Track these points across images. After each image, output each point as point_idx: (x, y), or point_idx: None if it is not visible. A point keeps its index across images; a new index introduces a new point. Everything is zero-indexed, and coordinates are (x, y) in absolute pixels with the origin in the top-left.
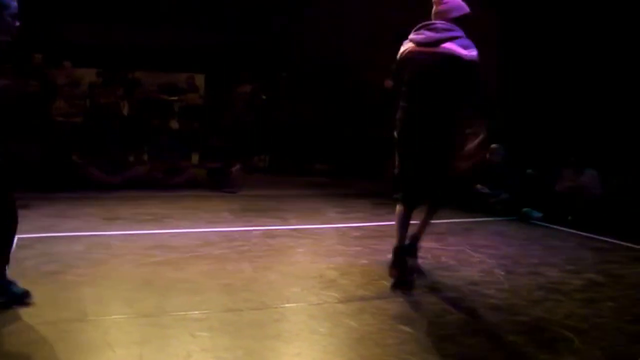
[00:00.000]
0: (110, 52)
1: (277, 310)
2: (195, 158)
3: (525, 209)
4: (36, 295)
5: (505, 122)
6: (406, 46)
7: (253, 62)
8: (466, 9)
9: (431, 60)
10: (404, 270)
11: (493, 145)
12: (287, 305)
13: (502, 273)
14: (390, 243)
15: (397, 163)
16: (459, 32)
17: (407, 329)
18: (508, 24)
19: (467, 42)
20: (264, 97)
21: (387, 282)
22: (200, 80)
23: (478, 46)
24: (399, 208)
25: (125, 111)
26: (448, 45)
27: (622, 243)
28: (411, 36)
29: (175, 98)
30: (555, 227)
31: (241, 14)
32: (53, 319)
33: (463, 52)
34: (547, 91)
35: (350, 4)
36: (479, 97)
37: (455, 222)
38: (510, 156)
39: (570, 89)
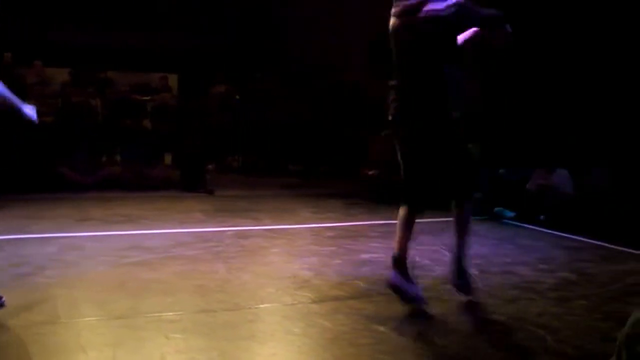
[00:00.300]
0: (82, 52)
1: (251, 311)
2: (168, 158)
3: (497, 209)
4: (7, 298)
5: (478, 122)
6: (390, 22)
7: (227, 62)
8: None
9: (415, 29)
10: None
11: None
12: (261, 306)
13: (476, 272)
14: (365, 243)
15: (398, 157)
16: None
17: (381, 328)
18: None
19: None
20: (237, 97)
21: (361, 282)
22: (173, 80)
23: None
24: (402, 212)
25: (98, 111)
26: (428, 7)
27: (593, 242)
28: (392, 10)
29: (148, 98)
30: (527, 226)
31: (215, 15)
32: (25, 322)
33: (440, 6)
34: (519, 91)
35: (323, 6)
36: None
37: (428, 222)
38: (482, 156)
39: (542, 89)
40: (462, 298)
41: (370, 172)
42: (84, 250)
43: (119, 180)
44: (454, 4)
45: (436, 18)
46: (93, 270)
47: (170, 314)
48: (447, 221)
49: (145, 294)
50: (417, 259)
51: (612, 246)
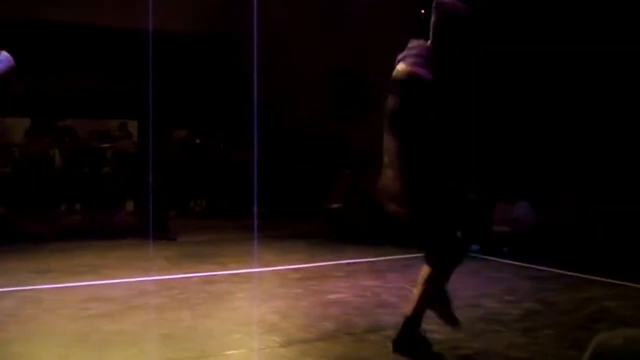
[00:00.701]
0: (39, 100)
1: (219, 358)
2: (130, 205)
3: None
4: None
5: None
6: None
7: (187, 106)
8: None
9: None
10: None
11: None
12: (228, 352)
13: None
14: (331, 283)
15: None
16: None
17: None
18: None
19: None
20: (198, 141)
21: (329, 324)
22: (133, 126)
23: None
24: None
25: (56, 160)
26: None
27: (556, 271)
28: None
29: (108, 145)
30: (492, 258)
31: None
32: None
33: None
34: (478, 127)
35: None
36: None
37: (393, 259)
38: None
39: (503, 123)
40: (431, 334)
41: (335, 206)
42: (43, 303)
43: (79, 229)
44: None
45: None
46: (53, 323)
47: None
48: (412, 257)
49: (109, 346)
50: (384, 296)
51: (576, 274)
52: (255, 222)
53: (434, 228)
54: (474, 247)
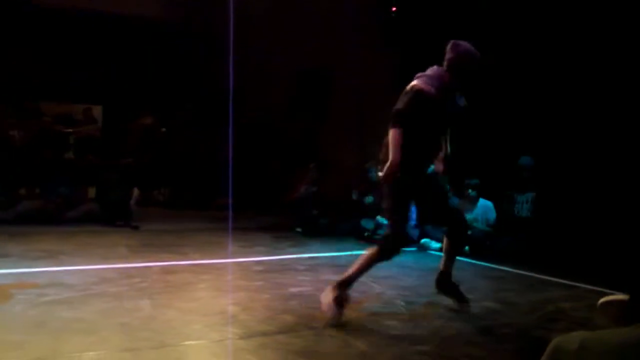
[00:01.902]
0: (3, 82)
1: (177, 349)
2: (91, 191)
3: (423, 240)
4: None
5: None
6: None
7: (153, 93)
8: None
9: None
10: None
11: None
12: (187, 342)
13: (403, 304)
14: (292, 276)
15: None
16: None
17: None
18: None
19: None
20: (163, 130)
21: (290, 317)
22: (98, 111)
23: (377, 82)
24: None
25: (17, 142)
26: None
27: (516, 271)
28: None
29: (71, 130)
30: None
31: (143, 44)
32: None
33: None
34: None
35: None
36: None
37: (355, 254)
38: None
39: (467, 123)
40: (391, 330)
41: (294, 197)
42: (1, 288)
43: (39, 214)
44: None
45: None
46: (10, 310)
47: (92, 353)
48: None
49: (66, 333)
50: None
51: (534, 275)
52: (230, 214)
53: (389, 215)
54: (435, 245)
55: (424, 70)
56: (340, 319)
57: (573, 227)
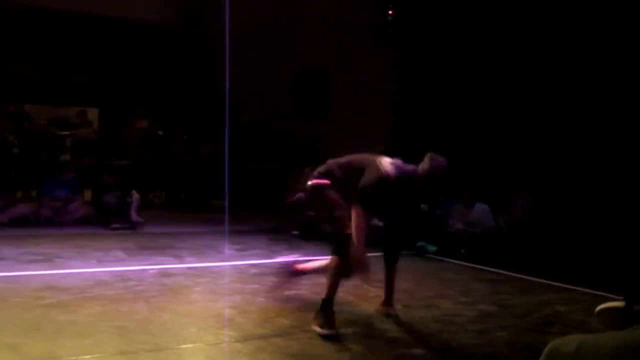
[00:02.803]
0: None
1: (174, 352)
2: (87, 194)
3: (419, 243)
4: None
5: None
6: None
7: (150, 96)
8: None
9: None
10: None
11: None
12: (183, 346)
13: (399, 307)
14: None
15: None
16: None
17: None
18: (403, 62)
19: None
20: (160, 132)
21: (286, 320)
22: (93, 114)
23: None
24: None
25: (14, 146)
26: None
27: (512, 274)
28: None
29: (67, 132)
30: (449, 260)
31: (140, 47)
32: None
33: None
34: (441, 128)
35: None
36: None
37: None
38: None
39: (464, 123)
40: (386, 334)
41: (291, 200)
42: None
43: (35, 217)
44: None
45: None
46: (5, 312)
47: (88, 357)
48: (370, 257)
49: (62, 336)
50: (341, 294)
51: (530, 278)
52: (227, 216)
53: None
54: (431, 248)
55: (422, 70)
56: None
57: (569, 230)
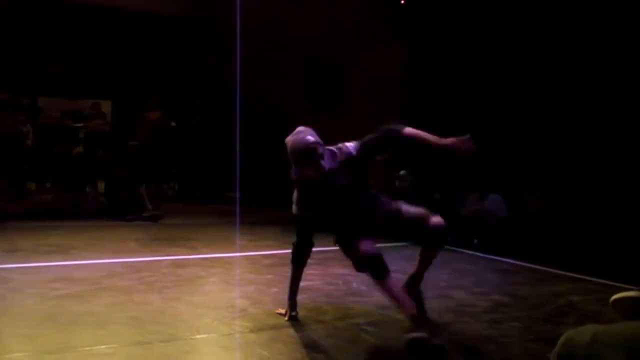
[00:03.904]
0: (12, 78)
1: (187, 342)
2: (101, 186)
3: None
4: None
5: (413, 149)
6: None
7: (162, 88)
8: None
9: None
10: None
11: (401, 172)
12: (197, 336)
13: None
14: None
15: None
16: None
17: (319, 356)
18: (414, 53)
19: None
20: (173, 124)
21: (299, 310)
22: (107, 106)
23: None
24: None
25: (28, 138)
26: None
27: (526, 264)
28: None
29: (81, 125)
30: (462, 250)
31: (152, 39)
32: None
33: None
34: (452, 118)
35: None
36: None
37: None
38: (418, 182)
39: (475, 116)
40: (400, 324)
41: None
42: (11, 282)
43: (50, 208)
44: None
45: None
46: (21, 303)
47: (103, 347)
48: (383, 247)
49: (77, 327)
50: (354, 284)
51: (544, 268)
52: (238, 207)
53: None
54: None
55: (434, 63)
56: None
57: (583, 220)
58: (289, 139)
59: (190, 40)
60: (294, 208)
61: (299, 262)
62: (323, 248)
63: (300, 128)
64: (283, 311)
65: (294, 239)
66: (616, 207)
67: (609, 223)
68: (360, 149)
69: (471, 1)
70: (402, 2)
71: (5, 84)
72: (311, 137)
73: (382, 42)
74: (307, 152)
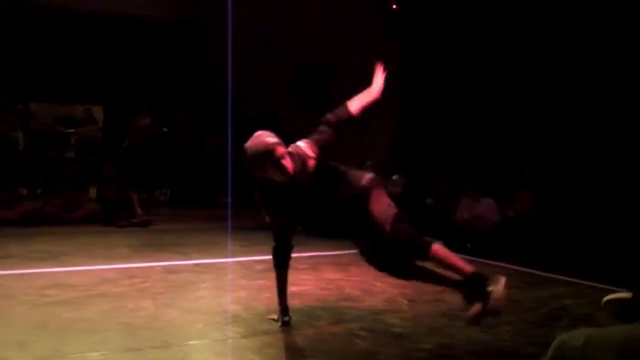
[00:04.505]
0: (3, 82)
1: (180, 349)
2: (92, 192)
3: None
4: None
5: (406, 153)
6: None
7: (154, 93)
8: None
9: None
10: None
11: (394, 177)
12: (190, 342)
13: (405, 302)
14: (294, 276)
15: None
16: None
17: None
18: (409, 55)
19: None
20: (164, 129)
21: (292, 315)
22: (99, 112)
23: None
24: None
25: (19, 143)
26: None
27: (519, 268)
28: None
29: (72, 130)
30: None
31: (143, 44)
32: None
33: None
34: (447, 122)
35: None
36: None
37: (357, 253)
38: (410, 186)
39: (469, 118)
40: (393, 328)
41: None
42: (3, 289)
43: (41, 214)
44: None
45: None
46: (12, 310)
47: (95, 354)
48: None
49: (69, 334)
50: (347, 290)
51: (537, 272)
52: (229, 212)
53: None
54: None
55: (426, 64)
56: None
57: (576, 223)
58: (247, 144)
59: (181, 44)
60: (266, 218)
61: (281, 265)
62: (316, 253)
63: (258, 132)
64: (275, 317)
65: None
66: (610, 210)
67: (603, 226)
68: (318, 148)
69: (465, 2)
70: (394, 6)
71: None
72: (270, 139)
73: (374, 44)
74: (266, 153)
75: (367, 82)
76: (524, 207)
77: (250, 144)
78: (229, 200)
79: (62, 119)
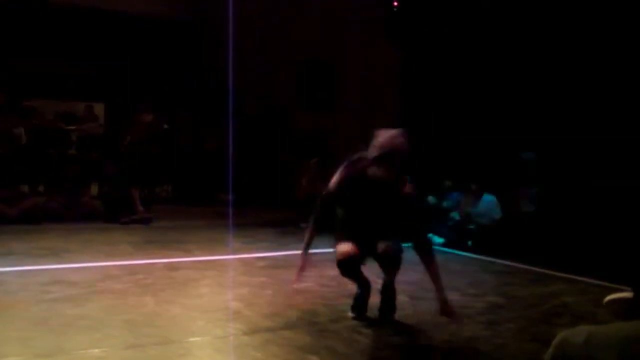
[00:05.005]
0: (5, 79)
1: (182, 345)
2: (94, 189)
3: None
4: None
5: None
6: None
7: (155, 90)
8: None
9: None
10: None
11: None
12: (191, 339)
13: (407, 299)
14: (295, 272)
15: None
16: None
17: (314, 358)
18: (409, 56)
19: None
20: (166, 126)
21: (293, 312)
22: (100, 109)
23: (381, 78)
24: None
25: (21, 140)
26: None
27: (520, 266)
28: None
29: (74, 127)
30: (456, 252)
31: (146, 42)
32: None
33: None
34: (448, 120)
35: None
36: None
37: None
38: (412, 184)
39: (469, 119)
40: (395, 325)
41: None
42: (4, 285)
43: (43, 211)
44: None
45: None
46: (14, 306)
47: (97, 350)
48: None
49: (71, 330)
50: (349, 286)
51: (539, 269)
52: (230, 209)
53: None
54: (438, 240)
55: (428, 62)
56: None
57: (577, 221)
58: (389, 140)
59: (184, 42)
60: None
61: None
62: (318, 250)
63: (393, 130)
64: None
65: (289, 241)
66: (610, 208)
67: (603, 224)
68: None
69: (466, 1)
70: (395, 3)
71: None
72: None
73: (377, 42)
74: (405, 152)
75: (367, 82)
76: (524, 205)
77: (394, 140)
78: (231, 197)
79: (63, 116)
